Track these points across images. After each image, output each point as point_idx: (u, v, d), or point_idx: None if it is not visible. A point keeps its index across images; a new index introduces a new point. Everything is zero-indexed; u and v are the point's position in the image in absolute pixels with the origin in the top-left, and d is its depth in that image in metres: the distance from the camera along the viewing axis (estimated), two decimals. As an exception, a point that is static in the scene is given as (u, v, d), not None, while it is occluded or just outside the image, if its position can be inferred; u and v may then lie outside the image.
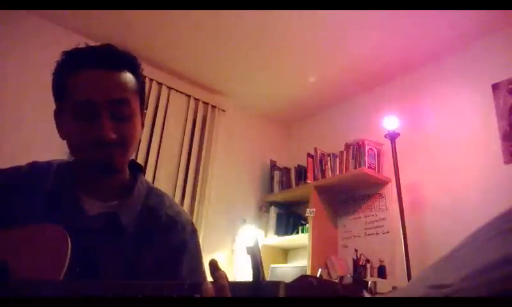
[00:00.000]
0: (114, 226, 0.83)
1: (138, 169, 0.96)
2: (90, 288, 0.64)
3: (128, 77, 0.85)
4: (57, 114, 0.87)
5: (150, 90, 3.18)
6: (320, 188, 3.19)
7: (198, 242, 0.96)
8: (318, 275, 0.69)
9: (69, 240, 0.71)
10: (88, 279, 0.70)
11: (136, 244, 0.84)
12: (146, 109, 0.99)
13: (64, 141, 0.87)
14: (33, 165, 0.91)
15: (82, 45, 0.87)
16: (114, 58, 0.85)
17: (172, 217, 0.91)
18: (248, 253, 0.60)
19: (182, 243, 0.90)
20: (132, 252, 0.83)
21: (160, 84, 3.26)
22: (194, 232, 0.95)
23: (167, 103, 3.26)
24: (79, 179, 0.87)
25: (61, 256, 0.70)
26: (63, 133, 0.86)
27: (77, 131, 0.81)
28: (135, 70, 0.88)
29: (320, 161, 3.30)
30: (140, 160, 2.98)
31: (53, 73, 0.86)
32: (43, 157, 0.98)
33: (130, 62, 0.87)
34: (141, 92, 0.89)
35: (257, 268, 0.59)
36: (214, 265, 0.63)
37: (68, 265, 0.69)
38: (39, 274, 0.68)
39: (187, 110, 3.37)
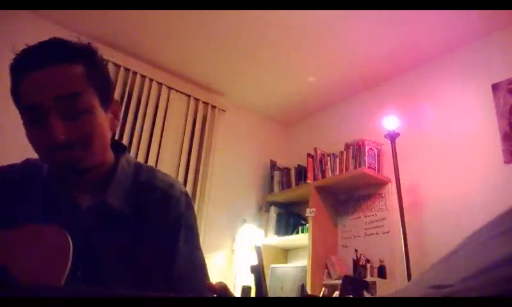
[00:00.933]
0: (106, 211, 0.83)
1: (122, 150, 0.93)
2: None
3: (79, 68, 0.77)
4: (20, 115, 0.81)
5: (150, 90, 3.19)
6: (320, 188, 3.19)
7: (194, 213, 0.95)
8: (321, 295, 0.69)
9: (70, 241, 0.71)
10: (89, 277, 0.70)
11: (132, 223, 0.84)
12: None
13: None
14: (27, 163, 0.91)
15: (30, 44, 0.80)
16: (60, 51, 0.77)
17: (165, 190, 0.90)
18: (252, 272, 0.60)
19: (177, 216, 0.89)
20: (130, 232, 0.83)
21: (160, 84, 3.26)
22: (189, 204, 0.94)
23: (167, 103, 3.27)
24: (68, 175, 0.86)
25: (63, 258, 0.69)
26: (27, 137, 0.80)
27: (32, 137, 0.76)
28: (87, 59, 0.79)
29: (320, 161, 3.30)
30: (140, 160, 2.98)
31: (10, 80, 0.79)
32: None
33: (81, 52, 0.79)
34: (98, 82, 0.80)
35: (260, 288, 0.59)
36: (212, 287, 0.62)
37: (70, 266, 0.69)
38: (41, 278, 0.67)
39: (187, 110, 3.37)
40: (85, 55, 0.80)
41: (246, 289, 0.60)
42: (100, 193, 0.84)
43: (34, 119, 0.75)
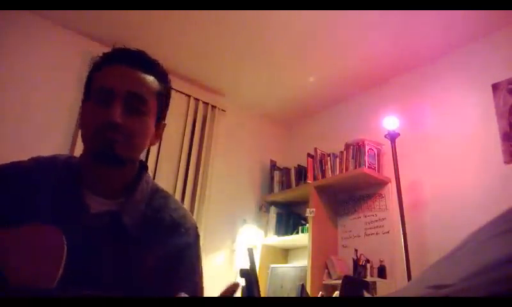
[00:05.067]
0: (117, 225, 0.83)
1: (143, 168, 0.95)
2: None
3: (152, 79, 0.90)
4: (83, 104, 0.91)
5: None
6: (320, 188, 3.19)
7: (199, 248, 0.95)
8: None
9: (65, 242, 0.70)
10: (84, 283, 0.69)
11: (136, 245, 0.83)
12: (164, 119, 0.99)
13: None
14: (37, 160, 0.91)
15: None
16: (143, 60, 0.90)
17: (176, 221, 0.90)
18: (242, 276, 0.59)
19: (183, 246, 0.89)
20: (133, 253, 0.82)
21: (160, 84, 3.25)
22: (196, 238, 0.94)
23: (167, 103, 3.26)
24: (83, 174, 0.87)
25: (57, 258, 0.68)
26: (81, 121, 0.91)
27: (91, 113, 0.85)
28: (160, 77, 0.92)
29: (320, 161, 3.30)
30: (140, 160, 2.98)
31: (94, 65, 0.91)
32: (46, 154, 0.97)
33: (157, 69, 0.93)
34: (162, 99, 0.92)
35: (251, 292, 0.58)
36: None
37: (63, 268, 0.68)
38: (34, 277, 0.67)
39: (187, 110, 3.37)
40: (161, 74, 0.93)
41: (244, 271, 0.59)
42: (115, 202, 0.85)
43: (102, 99, 0.84)
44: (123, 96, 0.83)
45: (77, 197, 0.83)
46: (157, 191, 0.94)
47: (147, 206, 0.89)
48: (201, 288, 0.92)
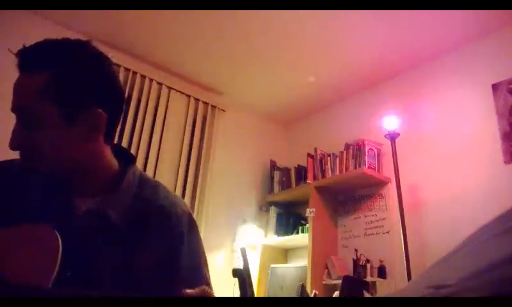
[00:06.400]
0: (104, 222, 0.80)
1: (129, 159, 0.91)
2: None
3: (41, 80, 0.75)
4: None
5: (150, 90, 3.19)
6: (320, 188, 3.19)
7: (197, 234, 0.91)
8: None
9: (60, 241, 0.69)
10: (79, 282, 0.69)
11: (129, 240, 0.81)
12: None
13: None
14: None
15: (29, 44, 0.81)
16: (31, 60, 0.78)
17: (166, 209, 0.87)
18: (234, 276, 0.58)
19: (178, 237, 0.86)
20: (127, 249, 0.80)
21: (160, 84, 3.26)
22: (191, 224, 0.90)
23: (167, 103, 3.27)
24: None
25: (52, 258, 0.68)
26: None
27: None
28: (56, 68, 0.77)
29: (320, 161, 3.30)
30: (140, 160, 2.98)
31: None
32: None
33: (50, 61, 0.77)
34: (61, 94, 0.76)
35: (244, 292, 0.57)
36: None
37: (59, 267, 0.67)
38: (30, 277, 0.66)
39: (187, 110, 3.38)
40: (54, 64, 0.77)
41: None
42: (101, 199, 0.82)
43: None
44: (18, 113, 0.78)
45: (65, 198, 0.82)
46: (146, 182, 0.91)
47: (136, 198, 0.86)
48: (207, 270, 0.89)
